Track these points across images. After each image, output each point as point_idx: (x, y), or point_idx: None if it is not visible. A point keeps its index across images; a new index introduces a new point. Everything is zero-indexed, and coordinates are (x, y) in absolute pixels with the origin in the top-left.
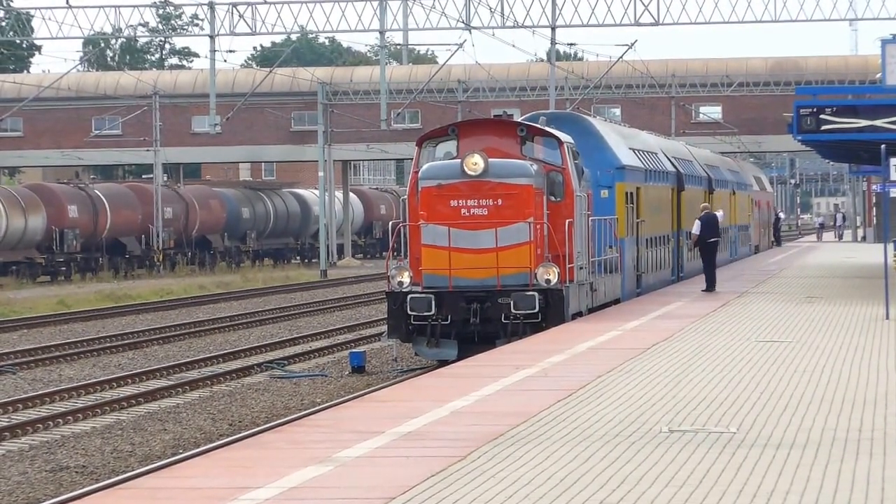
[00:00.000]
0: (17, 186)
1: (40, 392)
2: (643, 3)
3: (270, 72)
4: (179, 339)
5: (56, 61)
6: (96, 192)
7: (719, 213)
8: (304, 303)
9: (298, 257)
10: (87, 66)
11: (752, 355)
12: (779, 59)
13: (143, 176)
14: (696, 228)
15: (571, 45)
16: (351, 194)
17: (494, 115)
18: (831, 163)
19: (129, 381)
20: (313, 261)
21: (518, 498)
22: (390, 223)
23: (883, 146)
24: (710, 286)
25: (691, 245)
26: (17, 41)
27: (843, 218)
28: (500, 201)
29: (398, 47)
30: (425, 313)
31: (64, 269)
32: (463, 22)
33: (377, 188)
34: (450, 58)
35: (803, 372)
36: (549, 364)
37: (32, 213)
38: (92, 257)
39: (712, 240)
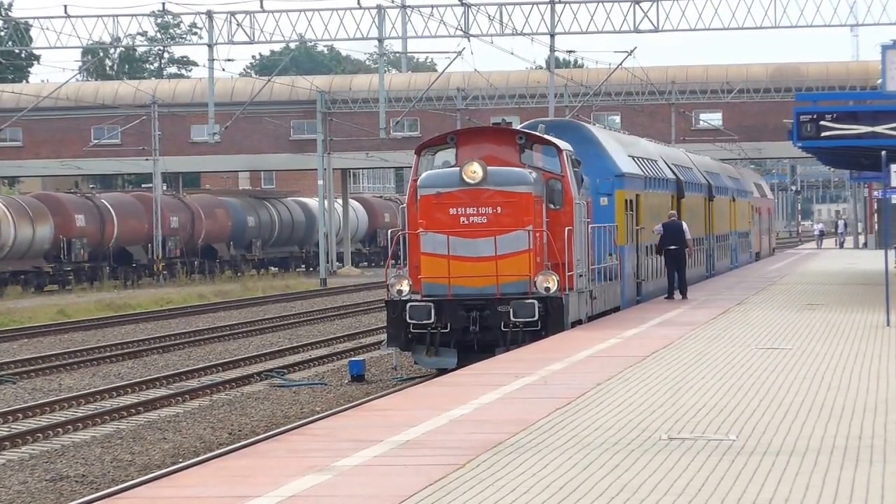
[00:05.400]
0: (25, 196)
1: (40, 401)
2: (642, 10)
3: (269, 80)
4: (179, 348)
5: (55, 71)
6: (103, 201)
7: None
8: (303, 311)
9: (303, 265)
10: (86, 75)
11: (752, 362)
12: (779, 65)
13: (143, 185)
14: (657, 229)
15: (570, 52)
16: (355, 202)
17: (493, 123)
18: (832, 169)
19: (129, 390)
20: (318, 269)
21: None
22: (389, 231)
23: (883, 152)
24: (670, 293)
25: (657, 249)
26: (16, 51)
27: (845, 225)
28: (499, 209)
29: (397, 55)
30: (425, 322)
31: (71, 278)
32: (461, 30)
33: (381, 196)
34: (448, 65)
35: (803, 379)
36: (549, 372)
37: (40, 222)
38: (99, 266)
39: (672, 247)
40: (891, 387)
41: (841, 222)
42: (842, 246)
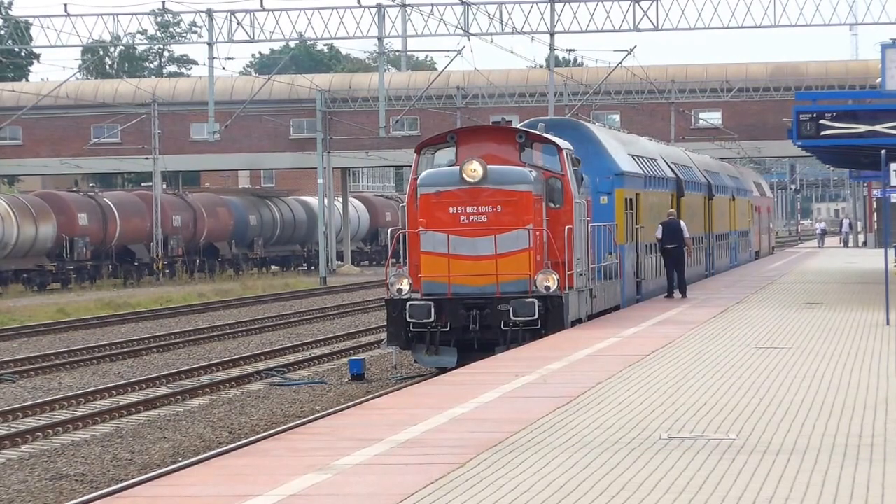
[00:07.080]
0: (28, 194)
1: (40, 400)
2: (642, 9)
3: (269, 79)
4: (179, 347)
5: (55, 69)
6: (105, 200)
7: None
8: (303, 310)
9: (305, 264)
10: (86, 74)
11: (751, 361)
12: (779, 64)
13: (143, 184)
14: (658, 233)
15: (570, 51)
16: (356, 201)
17: (493, 122)
18: (832, 168)
19: (129, 389)
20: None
21: None
22: (389, 230)
23: (883, 151)
24: (669, 292)
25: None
26: (16, 49)
27: (850, 224)
28: (499, 208)
29: (397, 54)
30: (424, 320)
31: (75, 276)
32: (461, 28)
33: (382, 195)
34: (448, 64)
35: (803, 378)
36: (549, 371)
37: (43, 221)
38: (102, 265)
39: (670, 246)
40: (891, 385)
41: (846, 221)
42: (846, 245)
